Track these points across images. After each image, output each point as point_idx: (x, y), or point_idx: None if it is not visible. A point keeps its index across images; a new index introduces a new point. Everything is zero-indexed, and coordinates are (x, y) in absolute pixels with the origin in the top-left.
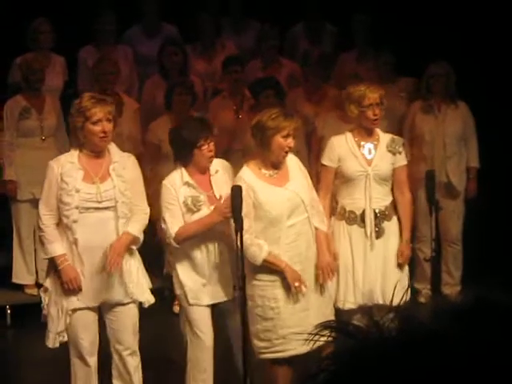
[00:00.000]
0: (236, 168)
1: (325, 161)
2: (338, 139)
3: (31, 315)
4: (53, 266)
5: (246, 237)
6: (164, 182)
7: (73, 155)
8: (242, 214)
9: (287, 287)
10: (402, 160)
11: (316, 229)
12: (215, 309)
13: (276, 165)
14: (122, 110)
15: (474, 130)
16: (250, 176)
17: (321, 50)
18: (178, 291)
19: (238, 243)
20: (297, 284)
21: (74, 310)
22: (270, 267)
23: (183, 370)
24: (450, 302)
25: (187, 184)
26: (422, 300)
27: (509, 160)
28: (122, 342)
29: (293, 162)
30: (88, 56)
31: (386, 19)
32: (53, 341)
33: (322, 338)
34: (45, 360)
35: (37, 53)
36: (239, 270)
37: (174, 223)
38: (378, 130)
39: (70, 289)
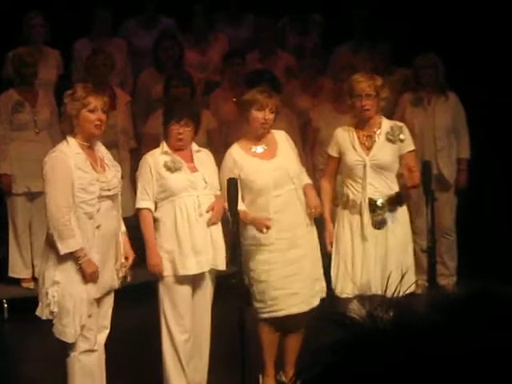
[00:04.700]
0: None
1: (329, 150)
2: (341, 131)
3: (28, 309)
4: (65, 259)
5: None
6: (145, 155)
7: (74, 145)
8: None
9: (277, 252)
10: (407, 146)
11: (305, 186)
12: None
13: (261, 139)
14: (115, 103)
15: (464, 121)
16: (238, 152)
17: (311, 41)
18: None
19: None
20: (265, 230)
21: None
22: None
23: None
24: (446, 293)
25: (166, 153)
26: (419, 291)
27: (500, 150)
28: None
29: (282, 138)
30: (82, 49)
31: (382, 10)
32: (74, 335)
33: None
34: (42, 354)
35: (30, 46)
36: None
37: (143, 196)
38: (381, 119)
39: (90, 281)
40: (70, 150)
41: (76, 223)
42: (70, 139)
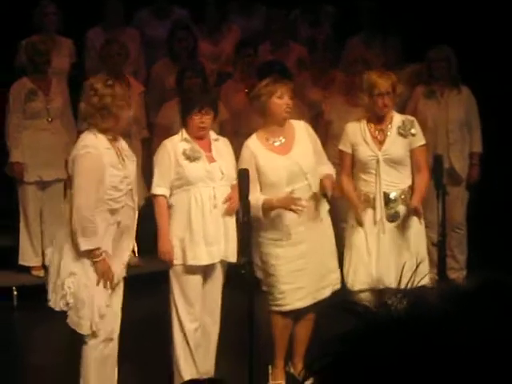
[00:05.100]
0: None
1: (341, 146)
2: (352, 126)
3: (38, 297)
4: (84, 254)
5: (249, 197)
6: (165, 141)
7: (103, 140)
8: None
9: (289, 246)
10: (417, 141)
11: (323, 176)
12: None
13: (281, 130)
14: (129, 92)
15: (477, 115)
16: (255, 143)
17: (323, 33)
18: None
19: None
20: (294, 207)
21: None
22: (273, 225)
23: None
24: (457, 285)
25: (186, 140)
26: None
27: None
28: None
29: (301, 129)
30: (95, 38)
31: (392, 4)
32: (90, 327)
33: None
34: (51, 341)
35: (43, 35)
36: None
37: (159, 182)
38: (392, 113)
39: (102, 280)
40: (101, 145)
41: (99, 219)
42: (98, 135)
